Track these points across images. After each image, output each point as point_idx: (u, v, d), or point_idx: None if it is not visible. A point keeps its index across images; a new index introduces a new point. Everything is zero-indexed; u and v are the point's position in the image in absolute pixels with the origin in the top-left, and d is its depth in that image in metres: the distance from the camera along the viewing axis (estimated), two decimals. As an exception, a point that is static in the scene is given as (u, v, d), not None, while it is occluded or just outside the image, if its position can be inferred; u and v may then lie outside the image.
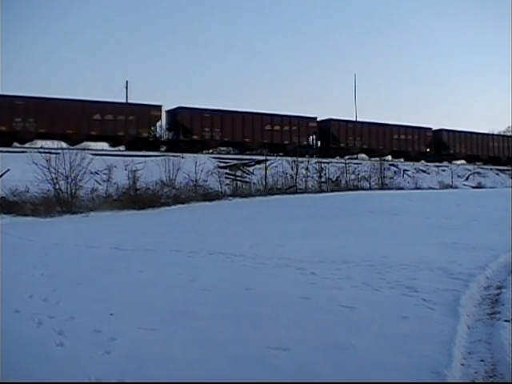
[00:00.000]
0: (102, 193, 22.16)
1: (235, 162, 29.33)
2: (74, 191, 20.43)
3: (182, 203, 22.20)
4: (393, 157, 37.23)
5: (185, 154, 27.44)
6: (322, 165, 29.93)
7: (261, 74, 73.85)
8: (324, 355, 3.89)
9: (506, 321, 4.62)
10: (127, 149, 28.30)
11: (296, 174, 27.79)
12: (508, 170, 40.02)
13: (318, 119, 33.65)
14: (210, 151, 31.53)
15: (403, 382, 3.43)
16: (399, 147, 36.64)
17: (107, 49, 66.79)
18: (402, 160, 37.01)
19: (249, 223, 15.66)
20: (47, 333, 4.47)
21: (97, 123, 26.98)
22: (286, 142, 32.28)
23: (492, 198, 21.01)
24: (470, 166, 38.94)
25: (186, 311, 5.13)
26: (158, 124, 29.47)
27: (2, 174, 20.77)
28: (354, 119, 35.88)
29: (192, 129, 29.39)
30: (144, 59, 66.34)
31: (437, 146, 38.15)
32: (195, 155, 26.45)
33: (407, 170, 35.07)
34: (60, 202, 19.78)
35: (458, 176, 36.44)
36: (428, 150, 38.07)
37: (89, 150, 26.33)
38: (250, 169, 29.14)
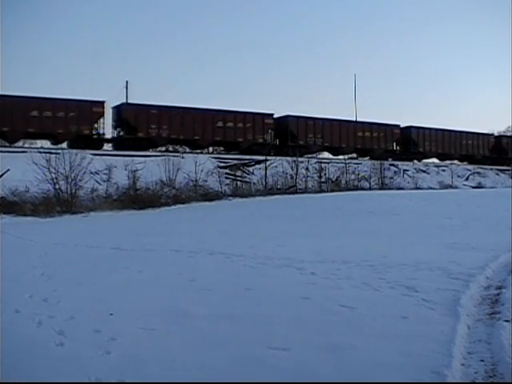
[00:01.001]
0: (102, 193, 22.16)
1: (235, 161, 29.32)
2: (74, 191, 20.44)
3: (182, 203, 22.20)
4: (359, 155, 35.73)
5: (185, 154, 27.45)
6: (322, 165, 29.93)
7: (261, 74, 73.90)
8: (324, 355, 3.89)
9: (506, 321, 4.62)
10: (69, 147, 25.86)
11: (296, 174, 27.80)
12: (508, 170, 39.99)
13: (276, 116, 32.33)
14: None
15: (403, 382, 3.43)
16: (364, 145, 35.20)
17: (107, 49, 66.78)
18: (368, 158, 35.11)
19: (249, 223, 15.66)
20: (47, 333, 4.46)
21: (35, 120, 25.42)
22: (240, 140, 30.85)
23: (492, 198, 21.02)
24: (469, 166, 38.90)
25: (186, 311, 5.13)
26: (101, 121, 27.80)
27: (2, 174, 20.78)
28: (314, 116, 33.70)
29: (137, 126, 27.98)
30: (144, 59, 66.35)
31: (405, 143, 36.89)
32: (195, 155, 26.41)
33: (407, 170, 35.06)
34: (60, 202, 19.79)
35: (458, 176, 36.44)
36: (397, 147, 36.87)
37: (89, 149, 26.31)
38: (250, 169, 29.15)
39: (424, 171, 35.92)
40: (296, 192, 26.11)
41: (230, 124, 30.56)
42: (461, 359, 3.83)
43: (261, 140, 31.43)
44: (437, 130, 38.22)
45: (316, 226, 14.42)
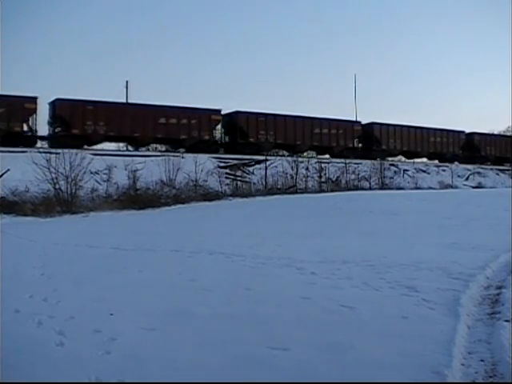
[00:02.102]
0: (102, 193, 22.17)
1: (235, 161, 29.31)
2: (74, 191, 20.44)
3: (182, 203, 22.20)
4: (317, 153, 34.20)
5: (185, 154, 27.41)
6: (322, 165, 29.93)
7: (261, 74, 73.87)
8: (324, 355, 3.89)
9: (506, 321, 4.62)
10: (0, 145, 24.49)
11: (296, 174, 27.80)
12: (508, 170, 39.98)
13: (226, 112, 30.77)
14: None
15: (403, 382, 3.43)
16: (321, 142, 33.36)
17: (107, 49, 66.78)
18: (328, 156, 33.71)
19: (249, 223, 15.66)
20: (47, 333, 4.47)
21: None
22: (184, 137, 29.21)
23: (492, 198, 21.00)
24: (469, 166, 38.88)
25: (186, 311, 5.13)
26: (33, 117, 26.18)
27: (2, 174, 20.78)
28: (265, 112, 31.95)
29: (72, 122, 26.42)
30: (144, 59, 66.35)
31: (368, 140, 35.25)
32: (195, 155, 26.38)
33: (407, 170, 35.07)
34: (60, 202, 19.79)
35: (458, 176, 36.44)
36: (359, 145, 35.31)
37: (89, 149, 26.31)
38: (250, 169, 29.14)
39: (424, 171, 35.92)
40: (296, 192, 26.12)
41: (173, 120, 28.87)
42: (461, 359, 3.83)
43: (207, 137, 29.88)
44: (402, 126, 36.75)
45: (316, 226, 14.41)
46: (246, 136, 30.67)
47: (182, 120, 29.09)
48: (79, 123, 26.54)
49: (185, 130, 29.20)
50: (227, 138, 31.44)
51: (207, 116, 29.70)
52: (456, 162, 38.12)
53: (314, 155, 33.65)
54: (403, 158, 37.54)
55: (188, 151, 28.43)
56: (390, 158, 35.95)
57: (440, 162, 37.87)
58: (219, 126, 30.96)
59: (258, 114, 31.27)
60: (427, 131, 37.81)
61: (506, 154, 41.17)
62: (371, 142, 35.36)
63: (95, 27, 64.23)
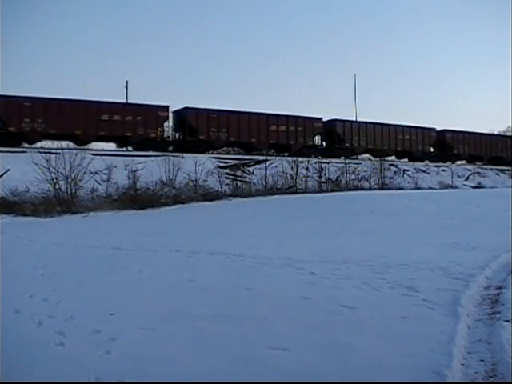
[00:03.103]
0: (102, 193, 22.17)
1: (235, 161, 29.30)
2: (74, 191, 20.44)
3: (182, 203, 22.20)
4: (276, 151, 32.52)
5: (185, 154, 27.38)
6: (322, 165, 29.92)
7: (261, 73, 73.89)
8: (324, 355, 3.89)
9: (506, 321, 4.62)
10: None
11: (296, 174, 27.80)
12: (508, 170, 39.96)
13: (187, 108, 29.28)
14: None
15: (403, 382, 3.43)
16: (278, 140, 31.74)
17: (107, 49, 66.80)
18: (287, 154, 31.70)
19: (249, 223, 15.66)
20: (47, 333, 4.47)
21: None
22: (129, 135, 27.68)
23: (492, 198, 21.00)
24: (469, 166, 38.88)
25: (186, 311, 5.13)
26: None
27: (2, 174, 20.78)
28: (217, 108, 30.31)
29: (8, 120, 25.04)
30: (144, 59, 66.36)
31: (330, 138, 33.68)
32: (195, 155, 26.35)
33: (407, 170, 35.06)
34: (60, 202, 19.79)
35: (458, 176, 36.43)
36: (321, 143, 33.68)
37: (89, 149, 26.30)
38: (250, 169, 29.14)
39: (424, 171, 35.90)
40: (296, 192, 26.12)
41: (116, 117, 27.31)
42: (461, 359, 3.83)
43: (153, 135, 28.40)
44: (367, 123, 35.08)
45: (316, 226, 14.41)
46: (196, 133, 29.30)
47: (127, 117, 27.60)
48: (16, 121, 25.18)
49: (129, 128, 27.62)
50: (177, 136, 29.92)
51: (153, 112, 28.26)
52: (427, 161, 36.73)
53: (273, 153, 32.11)
54: (372, 157, 35.18)
55: (136, 149, 27.42)
56: (354, 157, 34.35)
57: (410, 160, 36.24)
58: (168, 123, 29.55)
59: (209, 110, 29.77)
60: (395, 128, 36.31)
61: (480, 152, 40.02)
62: (333, 139, 33.73)
63: (95, 26, 64.25)
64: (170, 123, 29.65)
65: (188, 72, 68.57)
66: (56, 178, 20.14)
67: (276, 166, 28.50)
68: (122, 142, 28.69)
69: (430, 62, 79.34)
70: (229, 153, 32.32)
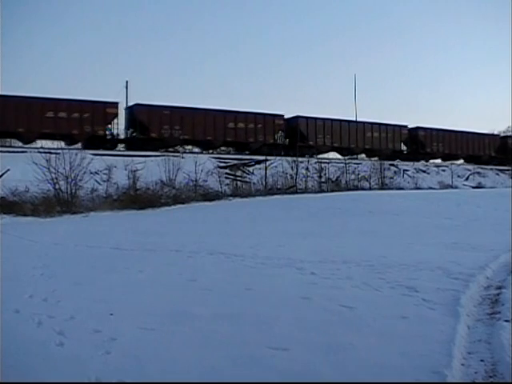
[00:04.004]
0: (102, 193, 22.17)
1: (235, 161, 29.30)
2: (74, 191, 20.45)
3: (182, 203, 22.20)
4: (235, 149, 31.79)
5: (185, 154, 27.38)
6: (322, 165, 29.92)
7: (261, 73, 73.89)
8: (324, 355, 3.89)
9: (506, 321, 4.62)
10: None
11: (296, 174, 27.81)
12: (508, 170, 39.96)
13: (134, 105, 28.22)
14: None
15: (403, 382, 3.43)
16: (236, 137, 30.58)
17: (107, 49, 66.80)
18: (247, 152, 30.90)
19: (249, 223, 15.66)
20: (47, 333, 4.46)
21: None
22: (76, 132, 26.46)
23: (492, 198, 21.02)
24: (469, 166, 38.87)
25: (186, 311, 5.13)
26: None
27: (2, 174, 20.78)
28: (170, 104, 29.32)
29: None
30: (144, 59, 66.35)
31: (293, 136, 32.47)
32: (195, 155, 26.32)
33: (407, 170, 35.06)
34: (60, 202, 19.79)
35: (458, 176, 36.43)
36: (283, 140, 32.70)
37: (89, 149, 26.28)
38: (250, 169, 29.14)
39: (424, 171, 35.91)
40: (296, 192, 26.12)
41: (62, 114, 26.20)
42: (461, 359, 3.83)
43: (101, 132, 27.28)
44: (332, 120, 33.72)
45: (316, 226, 14.42)
46: (147, 131, 28.27)
47: (73, 114, 26.40)
48: None
49: (76, 125, 26.45)
50: (129, 134, 29.04)
51: (101, 109, 27.05)
52: (398, 160, 35.60)
53: (232, 151, 31.43)
54: (339, 156, 34.21)
55: (85, 148, 25.99)
56: (320, 156, 32.88)
57: (380, 159, 33.96)
58: (117, 121, 28.41)
59: (161, 106, 28.72)
60: (363, 125, 34.95)
61: (456, 150, 38.86)
62: (296, 137, 32.30)
63: (95, 27, 64.25)
64: (119, 120, 28.61)
65: (188, 72, 68.59)
66: (56, 178, 20.14)
67: (276, 166, 28.50)
68: (68, 140, 26.97)
69: (430, 62, 79.36)
70: (180, 151, 30.54)
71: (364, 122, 35.16)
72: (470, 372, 3.64)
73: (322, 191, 26.89)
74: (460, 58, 79.43)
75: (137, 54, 67.45)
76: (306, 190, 26.84)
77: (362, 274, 6.92)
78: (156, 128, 28.30)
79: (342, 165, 30.78)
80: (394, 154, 35.93)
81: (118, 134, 28.50)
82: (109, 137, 28.12)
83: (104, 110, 27.14)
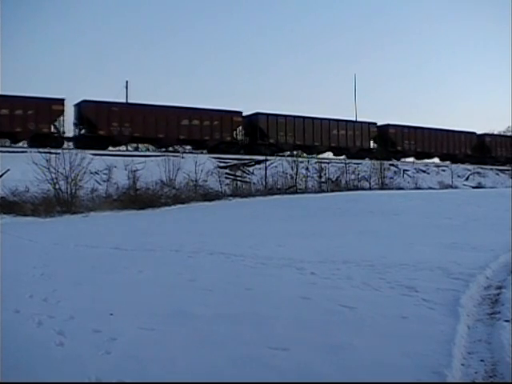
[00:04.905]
0: (102, 193, 22.17)
1: (235, 161, 29.28)
2: (74, 191, 20.44)
3: (182, 203, 22.20)
4: (193, 147, 30.80)
5: (185, 154, 27.37)
6: (322, 165, 29.93)
7: (261, 73, 73.87)
8: (324, 355, 3.89)
9: (506, 321, 4.62)
10: None
11: (296, 174, 27.81)
12: (508, 170, 39.94)
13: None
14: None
15: (403, 382, 3.43)
16: (189, 135, 29.38)
17: (107, 49, 66.81)
18: (205, 151, 29.93)
19: (249, 223, 15.66)
20: (47, 333, 4.46)
21: None
22: (19, 130, 25.29)
23: (492, 198, 21.00)
24: (469, 166, 38.85)
25: (186, 311, 5.13)
26: None
27: (2, 174, 20.78)
28: (119, 101, 28.52)
29: None
30: (144, 59, 66.35)
31: (253, 134, 31.37)
32: (195, 155, 26.30)
33: (407, 170, 35.08)
34: (60, 202, 19.79)
35: (458, 176, 36.44)
36: (243, 138, 31.62)
37: (89, 150, 26.27)
38: (250, 169, 29.14)
39: (424, 171, 35.92)
40: (296, 192, 26.12)
41: (4, 111, 25.06)
42: (461, 359, 3.83)
43: (46, 130, 26.06)
44: (295, 117, 32.31)
45: (316, 226, 14.41)
46: (95, 129, 27.14)
47: (16, 111, 25.11)
48: None
49: (19, 123, 25.25)
50: (77, 132, 28.03)
51: (46, 106, 25.73)
52: (367, 159, 33.97)
53: (190, 150, 30.48)
54: (304, 154, 33.05)
55: (30, 146, 24.80)
56: (280, 154, 31.46)
57: (348, 158, 33.09)
58: (64, 118, 27.20)
59: (110, 103, 27.61)
60: (328, 122, 33.67)
61: (429, 148, 37.77)
62: (256, 135, 31.20)
63: (95, 27, 64.24)
64: (67, 118, 27.47)
65: (188, 72, 68.58)
66: (56, 178, 20.14)
67: (276, 166, 28.51)
68: (12, 138, 26.44)
69: (431, 62, 79.35)
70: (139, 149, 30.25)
71: (330, 119, 33.95)
72: (469, 372, 3.64)
73: (322, 191, 26.89)
74: (460, 58, 79.45)
75: (137, 54, 67.48)
76: (305, 190, 26.85)
77: (362, 274, 6.92)
78: (104, 125, 27.17)
79: (342, 165, 30.79)
80: (361, 153, 34.52)
81: (64, 132, 27.28)
82: (55, 135, 26.76)
83: (49, 107, 25.91)
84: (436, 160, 39.41)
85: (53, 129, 26.48)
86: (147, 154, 28.35)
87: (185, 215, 18.72)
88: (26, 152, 21.95)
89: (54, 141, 25.70)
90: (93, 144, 26.08)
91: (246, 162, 29.64)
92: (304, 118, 32.78)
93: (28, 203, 19.10)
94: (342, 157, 33.84)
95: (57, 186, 20.14)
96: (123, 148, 30.26)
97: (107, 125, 27.18)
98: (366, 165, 31.96)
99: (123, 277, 7.09)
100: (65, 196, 20.19)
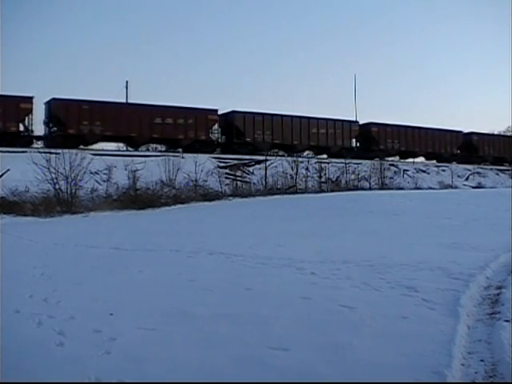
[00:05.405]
0: (102, 193, 22.17)
1: (235, 161, 29.27)
2: (74, 191, 20.45)
3: (182, 203, 22.20)
4: (167, 146, 30.35)
5: (185, 154, 27.34)
6: (322, 165, 29.92)
7: (260, 73, 73.86)
8: (324, 355, 3.89)
9: (506, 321, 4.61)
10: None
11: (296, 174, 27.81)
12: (508, 170, 39.93)
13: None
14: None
15: (403, 382, 3.43)
16: (162, 134, 28.81)
17: (107, 49, 66.82)
18: (180, 150, 29.12)
19: (249, 223, 15.66)
20: (47, 333, 4.46)
21: None
22: None
23: (492, 198, 20.99)
24: (469, 166, 38.85)
25: (186, 311, 5.13)
26: None
27: (2, 174, 20.78)
28: (91, 99, 27.29)
29: None
30: (144, 59, 66.36)
31: (229, 132, 30.92)
32: (195, 155, 26.29)
33: (407, 170, 35.08)
34: (60, 202, 19.80)
35: (458, 176, 36.44)
36: (219, 137, 31.13)
37: (89, 149, 26.26)
38: (250, 169, 29.13)
39: (424, 171, 35.92)
40: (296, 192, 26.12)
41: None
42: (461, 359, 3.83)
43: (14, 129, 25.46)
44: (272, 115, 31.63)
45: (316, 226, 14.41)
46: (65, 127, 26.47)
47: None
48: None
49: None
50: (47, 131, 27.27)
51: (14, 104, 25.09)
52: (348, 158, 32.81)
53: (165, 148, 30.09)
54: (281, 152, 32.61)
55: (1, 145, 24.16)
56: (255, 154, 30.68)
57: (329, 157, 32.50)
58: (32, 116, 26.46)
59: (80, 101, 26.69)
60: (307, 121, 32.85)
61: (413, 147, 37.09)
62: (232, 134, 30.65)
63: (95, 27, 64.25)
64: (36, 116, 26.81)
65: (188, 72, 68.55)
66: (56, 178, 20.15)
67: (276, 166, 28.50)
68: None
69: (430, 62, 79.33)
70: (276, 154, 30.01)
71: (309, 118, 33.16)
72: (469, 372, 3.64)
73: (322, 191, 26.89)
74: (460, 58, 79.44)
75: (137, 54, 67.47)
76: (306, 190, 26.84)
77: (362, 274, 6.92)
78: (74, 124, 26.45)
79: (342, 165, 30.78)
80: (343, 152, 33.55)
81: (32, 131, 26.64)
82: (24, 133, 26.19)
83: (17, 106, 25.25)
84: (421, 159, 39.03)
85: (21, 128, 25.93)
86: (147, 154, 28.32)
87: (185, 215, 18.72)
88: (25, 152, 21.95)
89: (22, 140, 25.37)
90: (63, 143, 24.72)
91: (246, 162, 29.63)
92: (282, 116, 32.14)
93: (28, 203, 19.10)
94: (323, 155, 33.32)
95: (57, 186, 20.15)
96: (123, 148, 30.24)
97: (77, 123, 26.49)
98: (365, 165, 31.95)
99: (123, 277, 7.09)
100: (65, 196, 20.19)
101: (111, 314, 5.03)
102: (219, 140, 31.28)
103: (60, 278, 7.07)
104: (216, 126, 30.92)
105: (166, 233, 13.12)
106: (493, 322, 4.71)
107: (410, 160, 38.24)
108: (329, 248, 9.62)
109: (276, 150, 33.06)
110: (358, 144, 35.84)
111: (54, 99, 26.66)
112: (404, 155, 37.44)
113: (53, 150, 21.63)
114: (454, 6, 69.83)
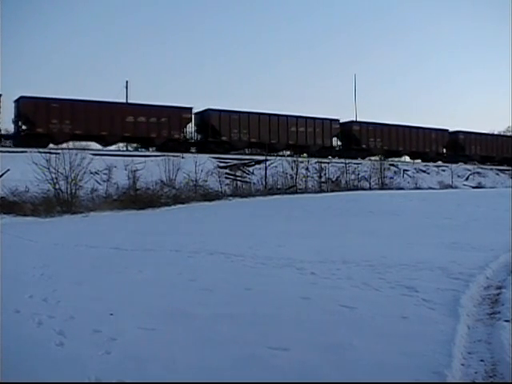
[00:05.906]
0: (102, 193, 22.17)
1: (235, 161, 29.27)
2: (74, 191, 20.44)
3: (182, 203, 22.20)
4: (142, 145, 30.22)
5: (185, 154, 27.34)
6: (322, 165, 29.93)
7: (260, 73, 73.85)
8: (324, 355, 3.89)
9: (506, 321, 4.61)
10: None
11: (296, 174, 27.81)
12: (508, 170, 39.92)
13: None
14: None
15: (403, 382, 3.43)
16: (135, 132, 28.24)
17: (107, 49, 66.81)
18: (154, 149, 29.22)
19: (249, 223, 15.65)
20: (47, 333, 4.46)
21: None
22: None
23: (492, 198, 20.99)
24: (469, 166, 38.84)
25: (186, 311, 5.13)
26: None
27: (2, 174, 20.78)
28: (59, 97, 26.76)
29: None
30: (144, 59, 66.33)
31: (204, 131, 30.54)
32: (195, 155, 26.26)
33: (407, 170, 35.08)
34: (60, 202, 19.79)
35: (458, 176, 36.45)
36: (194, 136, 30.90)
37: (89, 150, 26.25)
38: (250, 169, 29.13)
39: (424, 171, 35.92)
40: (296, 192, 26.12)
41: None
42: (461, 359, 3.83)
43: None
44: (249, 113, 31.11)
45: (316, 226, 14.41)
46: (33, 125, 25.97)
47: None
48: None
49: None
50: (16, 129, 26.99)
51: None
52: (329, 157, 33.14)
53: (137, 147, 29.85)
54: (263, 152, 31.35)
55: None
56: (233, 152, 30.62)
57: (310, 156, 31.77)
58: (1, 116, 26.28)
59: (49, 99, 26.27)
60: (286, 119, 32.21)
61: (397, 146, 36.51)
62: (207, 132, 30.22)
63: (95, 27, 64.25)
64: (4, 115, 26.62)
65: (188, 72, 68.54)
66: (56, 178, 20.14)
67: (276, 166, 28.51)
68: None
69: (431, 62, 79.32)
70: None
71: (288, 116, 32.46)
72: (469, 372, 3.64)
73: (322, 191, 26.89)
74: (460, 58, 79.42)
75: (137, 54, 67.46)
76: (305, 190, 26.85)
77: (362, 274, 6.92)
78: (43, 122, 25.83)
79: (342, 165, 30.79)
80: (323, 151, 33.24)
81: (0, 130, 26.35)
82: None
83: None
84: (407, 158, 38.51)
85: None
86: (147, 154, 28.31)
87: (185, 215, 18.71)
88: (25, 152, 21.95)
89: None
90: (32, 142, 24.71)
91: (246, 161, 29.63)
92: (260, 114, 31.63)
93: (28, 203, 19.09)
94: (303, 155, 32.48)
95: (57, 186, 20.14)
96: (123, 148, 30.23)
97: (46, 122, 25.92)
98: (365, 165, 31.96)
99: (123, 277, 7.09)
100: (65, 196, 20.19)
101: (111, 314, 5.03)
102: (194, 139, 30.87)
103: (60, 278, 7.07)
104: (191, 125, 30.56)
105: (166, 233, 13.12)
106: (493, 322, 4.71)
107: (410, 160, 38.22)
108: (329, 248, 9.61)
109: (255, 149, 32.56)
110: (339, 143, 35.33)
111: (22, 97, 26.06)
112: (388, 154, 36.54)
113: (53, 150, 21.59)
114: (454, 6, 69.81)
